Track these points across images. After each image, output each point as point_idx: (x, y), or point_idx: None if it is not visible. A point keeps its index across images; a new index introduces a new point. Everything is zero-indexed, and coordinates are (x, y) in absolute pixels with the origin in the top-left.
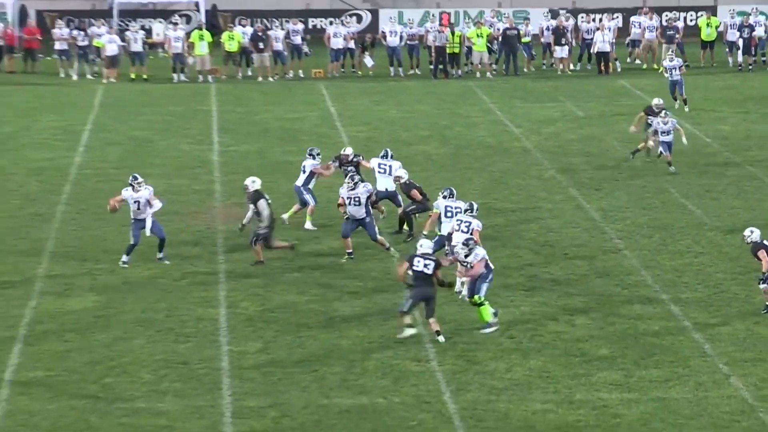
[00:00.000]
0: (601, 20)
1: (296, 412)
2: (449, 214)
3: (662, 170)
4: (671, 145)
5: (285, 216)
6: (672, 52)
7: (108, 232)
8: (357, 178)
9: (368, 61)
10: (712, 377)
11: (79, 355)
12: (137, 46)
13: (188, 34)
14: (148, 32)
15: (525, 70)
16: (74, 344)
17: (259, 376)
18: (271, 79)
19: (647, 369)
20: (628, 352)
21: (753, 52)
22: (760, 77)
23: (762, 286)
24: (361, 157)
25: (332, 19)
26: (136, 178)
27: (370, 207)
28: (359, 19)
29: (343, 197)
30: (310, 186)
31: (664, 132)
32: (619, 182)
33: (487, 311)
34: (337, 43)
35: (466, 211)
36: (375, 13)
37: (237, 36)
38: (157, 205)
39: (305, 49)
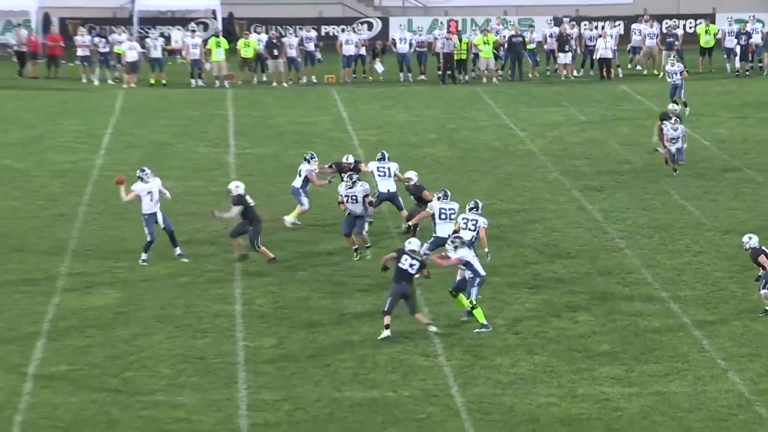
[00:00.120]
0: (603, 28)
1: (309, 405)
2: (443, 216)
3: (662, 173)
4: (681, 151)
5: (288, 218)
6: (673, 57)
7: (128, 231)
8: (355, 177)
9: (379, 67)
10: (711, 372)
11: (101, 350)
12: (157, 53)
13: (206, 41)
14: (167, 39)
15: (530, 75)
16: (96, 339)
17: (274, 371)
18: (285, 84)
19: (647, 364)
20: (629, 347)
21: (750, 59)
22: (756, 83)
23: (763, 291)
24: (361, 163)
25: (344, 27)
26: (144, 170)
27: (366, 206)
28: (370, 26)
29: (341, 195)
30: (306, 189)
31: (674, 139)
32: (621, 184)
33: (481, 314)
34: (349, 50)
35: (471, 209)
36: (385, 21)
37: (252, 43)
38: (168, 194)
39: (318, 55)
